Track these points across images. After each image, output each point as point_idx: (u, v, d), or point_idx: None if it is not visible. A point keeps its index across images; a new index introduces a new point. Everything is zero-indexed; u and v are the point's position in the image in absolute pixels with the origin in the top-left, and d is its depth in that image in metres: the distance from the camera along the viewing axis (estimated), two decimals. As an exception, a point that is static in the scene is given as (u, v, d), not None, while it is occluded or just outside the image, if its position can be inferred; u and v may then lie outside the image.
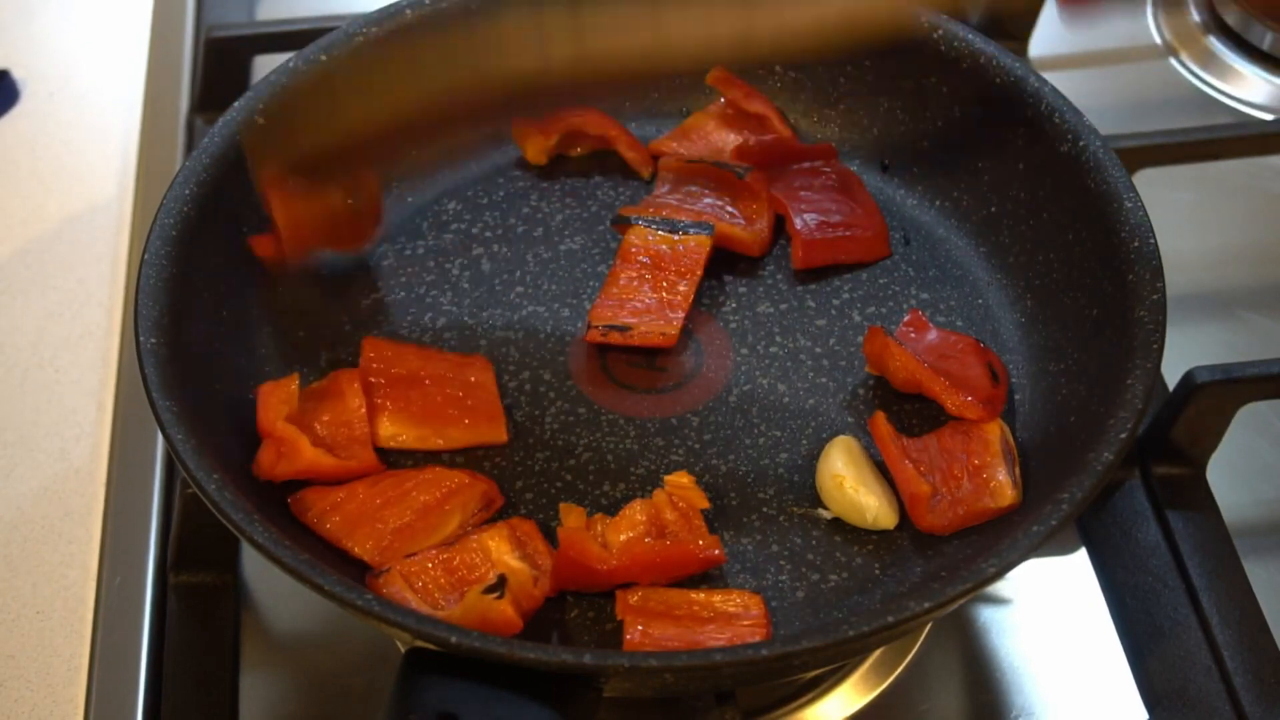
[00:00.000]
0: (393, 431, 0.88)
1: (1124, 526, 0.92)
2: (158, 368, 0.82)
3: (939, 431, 0.87)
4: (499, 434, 0.89)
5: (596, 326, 0.91)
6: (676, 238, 0.93)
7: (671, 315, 0.92)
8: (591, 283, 0.95)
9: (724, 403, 0.91)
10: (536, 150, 1.01)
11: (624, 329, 0.91)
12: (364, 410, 0.87)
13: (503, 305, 0.95)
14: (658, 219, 0.94)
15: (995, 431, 0.86)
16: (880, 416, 0.86)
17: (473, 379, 0.90)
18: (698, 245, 0.93)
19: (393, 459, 0.87)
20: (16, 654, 0.88)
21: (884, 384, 0.90)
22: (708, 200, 0.97)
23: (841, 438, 0.87)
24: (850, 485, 0.84)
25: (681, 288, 0.93)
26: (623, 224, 0.95)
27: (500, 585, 0.77)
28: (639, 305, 0.92)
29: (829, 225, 0.96)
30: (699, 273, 0.93)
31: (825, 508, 0.86)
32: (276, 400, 0.85)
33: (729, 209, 0.96)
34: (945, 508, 0.83)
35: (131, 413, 0.99)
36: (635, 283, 0.93)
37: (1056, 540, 0.78)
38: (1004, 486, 0.83)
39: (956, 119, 0.98)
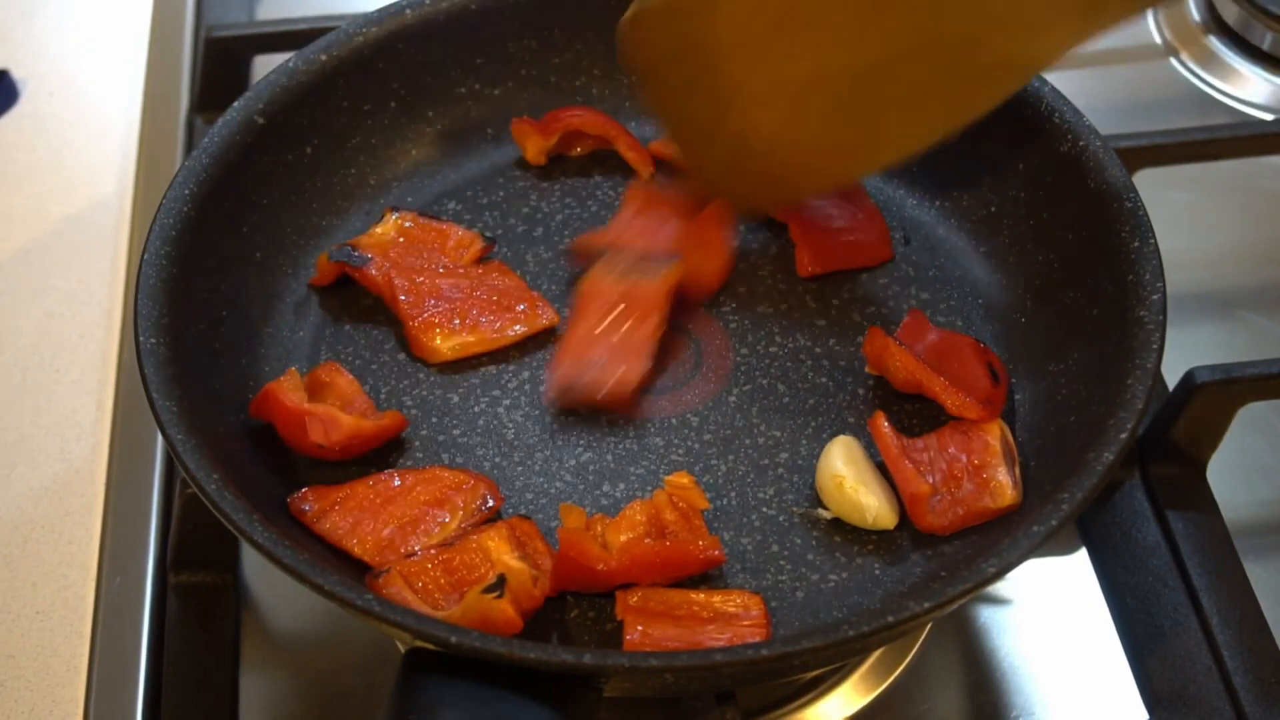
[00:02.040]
0: (454, 343, 0.91)
1: (1124, 526, 0.92)
2: (158, 368, 0.82)
3: (939, 431, 0.87)
4: (552, 317, 0.92)
5: (556, 385, 0.88)
6: (632, 281, 0.90)
7: (635, 358, 0.89)
8: (591, 283, 0.95)
9: (724, 403, 0.91)
10: (536, 150, 1.01)
11: (584, 384, 0.87)
12: (359, 386, 0.90)
13: (503, 305, 0.95)
14: (615, 260, 0.91)
15: (995, 432, 0.85)
16: (880, 416, 0.86)
17: (500, 280, 0.94)
18: (662, 280, 0.90)
19: (392, 460, 0.88)
20: (16, 654, 0.88)
21: (884, 384, 0.90)
22: (667, 232, 0.94)
23: (841, 438, 0.87)
24: (850, 485, 0.84)
25: (644, 328, 0.89)
26: (581, 256, 0.93)
27: (500, 585, 0.77)
28: (600, 355, 0.89)
29: (832, 230, 0.96)
30: (663, 310, 0.90)
31: (825, 508, 0.86)
32: (290, 389, 0.86)
33: (685, 241, 0.94)
34: (945, 508, 0.83)
35: (131, 413, 0.99)
36: (596, 330, 0.90)
37: (1056, 540, 0.78)
38: (1004, 487, 0.83)
39: (956, 119, 0.98)
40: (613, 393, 0.88)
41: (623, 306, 0.90)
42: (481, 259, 0.96)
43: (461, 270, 0.94)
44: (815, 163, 0.86)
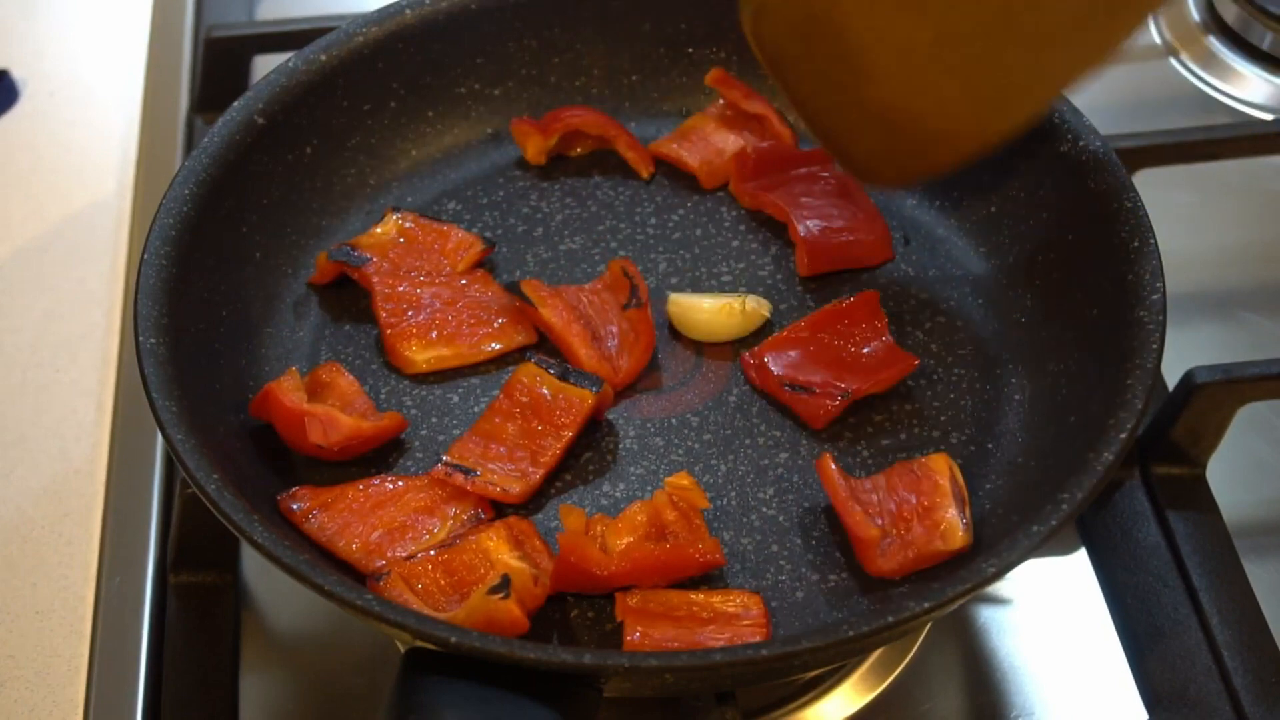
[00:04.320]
0: (429, 356, 0.91)
1: (1124, 526, 0.92)
2: (158, 368, 0.82)
3: (887, 472, 0.85)
4: (530, 335, 0.92)
5: (445, 463, 0.85)
6: (562, 385, 0.87)
7: (530, 470, 0.86)
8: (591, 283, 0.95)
9: (724, 403, 0.91)
10: (536, 150, 1.01)
11: (469, 472, 0.85)
12: (359, 387, 0.90)
13: (503, 305, 0.95)
14: (551, 360, 0.88)
15: (945, 472, 0.84)
16: (827, 458, 0.84)
17: (482, 292, 0.93)
18: (579, 401, 0.86)
19: (392, 460, 0.88)
20: (16, 654, 0.88)
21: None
22: (608, 314, 0.92)
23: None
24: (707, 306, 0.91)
25: (551, 445, 0.86)
26: (518, 293, 0.91)
27: (505, 585, 0.77)
28: (500, 450, 0.87)
29: (832, 230, 0.96)
30: (572, 434, 0.86)
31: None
32: (290, 389, 0.86)
33: (613, 329, 0.92)
34: (895, 551, 0.82)
35: (131, 413, 0.99)
36: (507, 426, 0.88)
37: (1056, 540, 0.78)
38: (954, 528, 0.82)
39: (956, 119, 0.98)
40: (487, 491, 0.85)
41: (542, 411, 0.87)
42: (480, 262, 0.96)
43: (444, 279, 0.94)
44: (953, 129, 0.85)
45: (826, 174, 0.99)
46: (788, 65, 0.84)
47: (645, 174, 1.01)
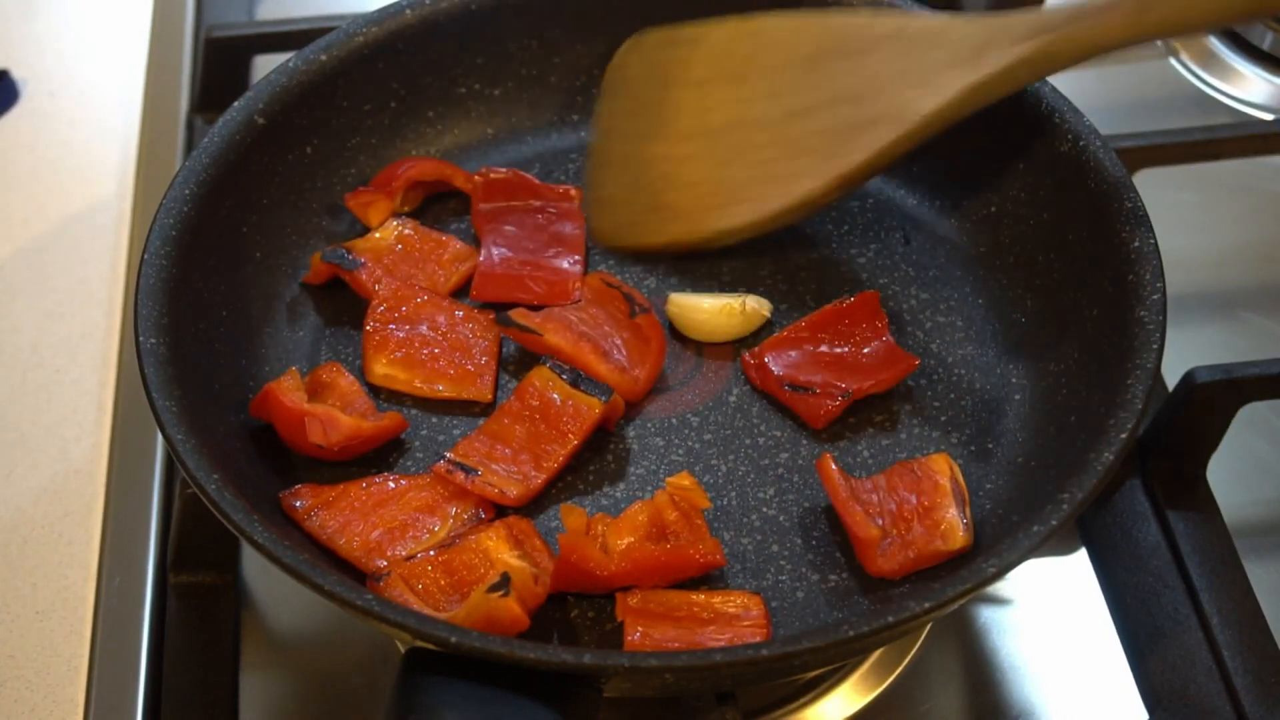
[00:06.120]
0: (386, 372, 0.90)
1: (1124, 526, 0.92)
2: (158, 368, 0.82)
3: (887, 472, 0.85)
4: (484, 392, 0.90)
5: (447, 459, 0.85)
6: (572, 391, 0.87)
7: (532, 475, 0.86)
8: (591, 283, 0.95)
9: (724, 403, 0.91)
10: (381, 216, 0.97)
11: (470, 471, 0.85)
12: (359, 387, 0.90)
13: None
14: (564, 366, 0.88)
15: (945, 472, 0.84)
16: (827, 458, 0.84)
17: (474, 335, 0.92)
18: (588, 409, 0.86)
19: (392, 460, 0.88)
20: (16, 654, 0.88)
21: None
22: (605, 329, 0.91)
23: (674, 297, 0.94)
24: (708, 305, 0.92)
25: (555, 451, 0.86)
26: (512, 324, 0.90)
27: (505, 584, 0.77)
28: (506, 452, 0.87)
29: (513, 262, 0.95)
30: (577, 442, 0.86)
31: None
32: (290, 389, 0.86)
33: (617, 342, 0.91)
34: (895, 551, 0.82)
35: (131, 413, 0.99)
36: (515, 428, 0.87)
37: (1056, 540, 0.78)
38: (955, 528, 0.82)
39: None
40: (486, 493, 0.85)
41: (551, 415, 0.87)
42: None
43: (446, 311, 0.92)
44: (699, 204, 0.95)
45: (552, 211, 0.97)
46: (618, 95, 0.99)
47: (479, 205, 0.98)
